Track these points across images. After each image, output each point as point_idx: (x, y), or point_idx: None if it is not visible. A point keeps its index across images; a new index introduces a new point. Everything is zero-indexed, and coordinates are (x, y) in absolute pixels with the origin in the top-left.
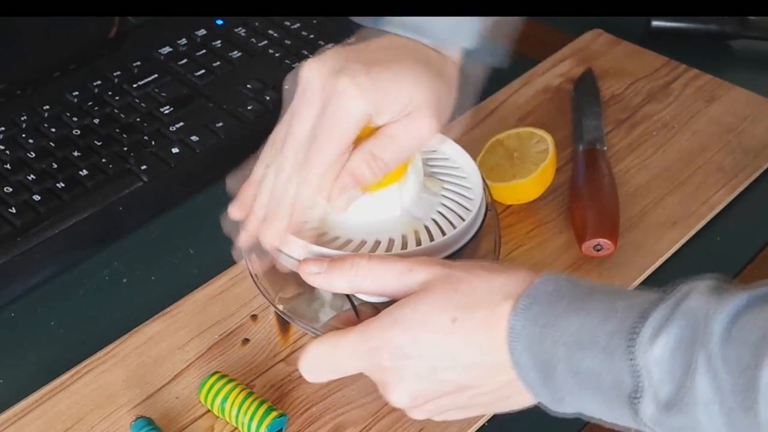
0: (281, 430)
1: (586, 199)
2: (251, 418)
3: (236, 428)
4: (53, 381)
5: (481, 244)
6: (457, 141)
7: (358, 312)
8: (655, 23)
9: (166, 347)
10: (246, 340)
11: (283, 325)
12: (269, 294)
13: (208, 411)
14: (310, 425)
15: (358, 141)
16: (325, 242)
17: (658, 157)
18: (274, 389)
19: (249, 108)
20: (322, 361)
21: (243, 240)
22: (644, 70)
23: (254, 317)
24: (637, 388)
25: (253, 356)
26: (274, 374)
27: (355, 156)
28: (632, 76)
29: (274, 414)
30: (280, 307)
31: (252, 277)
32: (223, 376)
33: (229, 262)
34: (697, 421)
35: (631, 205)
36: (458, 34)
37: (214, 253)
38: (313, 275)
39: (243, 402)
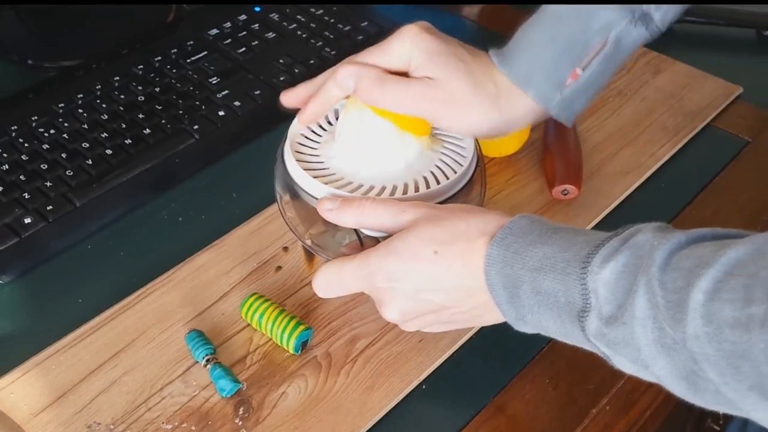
0: (307, 340)
1: (556, 153)
2: (283, 331)
3: (270, 339)
4: (122, 301)
5: (470, 193)
6: None
7: (362, 242)
8: None
9: (213, 273)
10: (279, 268)
11: (309, 255)
12: (298, 231)
13: (248, 325)
14: (330, 336)
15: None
16: (340, 186)
17: (614, 119)
18: (302, 307)
19: (281, 79)
20: (330, 280)
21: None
22: None
23: (285, 249)
24: (585, 307)
25: (284, 280)
26: (301, 295)
27: (371, 69)
28: None
29: (301, 327)
30: (308, 242)
31: (283, 217)
32: (260, 297)
33: (265, 204)
34: (633, 333)
35: (592, 157)
36: (534, 86)
37: (253, 197)
38: (327, 211)
39: (276, 318)
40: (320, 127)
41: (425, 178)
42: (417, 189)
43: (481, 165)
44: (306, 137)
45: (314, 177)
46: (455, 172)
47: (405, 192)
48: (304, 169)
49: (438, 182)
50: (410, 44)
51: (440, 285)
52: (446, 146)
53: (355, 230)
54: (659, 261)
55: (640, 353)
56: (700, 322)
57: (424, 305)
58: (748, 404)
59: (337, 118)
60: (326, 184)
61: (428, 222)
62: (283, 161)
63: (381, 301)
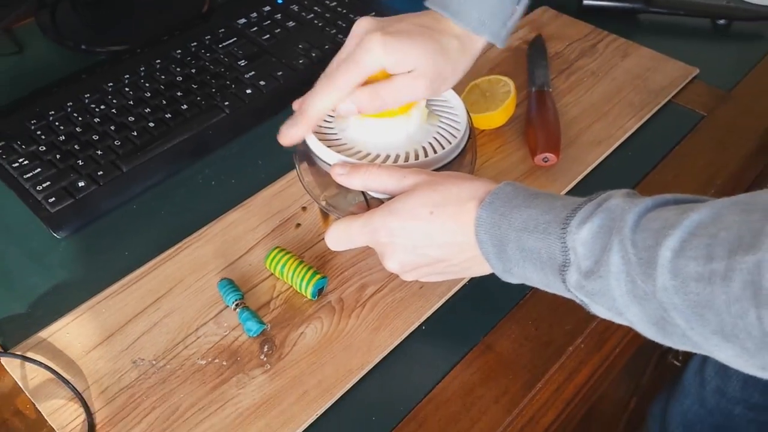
0: (323, 287)
1: (537, 126)
2: (302, 279)
3: (291, 286)
4: (162, 253)
5: (463, 161)
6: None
7: (368, 203)
8: (586, 2)
9: (242, 229)
10: (298, 225)
11: (324, 214)
12: (314, 193)
13: (271, 275)
14: (343, 284)
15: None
16: (350, 154)
17: (588, 96)
18: (318, 259)
19: (300, 62)
20: (340, 236)
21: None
22: (578, 35)
23: (304, 208)
24: (566, 262)
25: (303, 236)
26: (318, 249)
27: (364, 89)
28: (569, 39)
29: (318, 276)
30: (323, 203)
31: (302, 182)
32: (282, 250)
33: (286, 169)
34: (608, 285)
35: (569, 129)
36: (488, 29)
37: (276, 164)
38: (338, 175)
39: (296, 268)
40: None
41: (424, 148)
42: (417, 157)
43: (473, 137)
44: None
45: (328, 147)
46: (450, 143)
47: (406, 159)
48: (320, 140)
49: (435, 151)
50: (381, 51)
51: (435, 241)
52: (442, 120)
53: (363, 192)
54: (630, 222)
55: (615, 302)
56: (668, 276)
57: (421, 258)
58: (711, 346)
59: None
60: (338, 152)
61: (426, 186)
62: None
63: (383, 254)
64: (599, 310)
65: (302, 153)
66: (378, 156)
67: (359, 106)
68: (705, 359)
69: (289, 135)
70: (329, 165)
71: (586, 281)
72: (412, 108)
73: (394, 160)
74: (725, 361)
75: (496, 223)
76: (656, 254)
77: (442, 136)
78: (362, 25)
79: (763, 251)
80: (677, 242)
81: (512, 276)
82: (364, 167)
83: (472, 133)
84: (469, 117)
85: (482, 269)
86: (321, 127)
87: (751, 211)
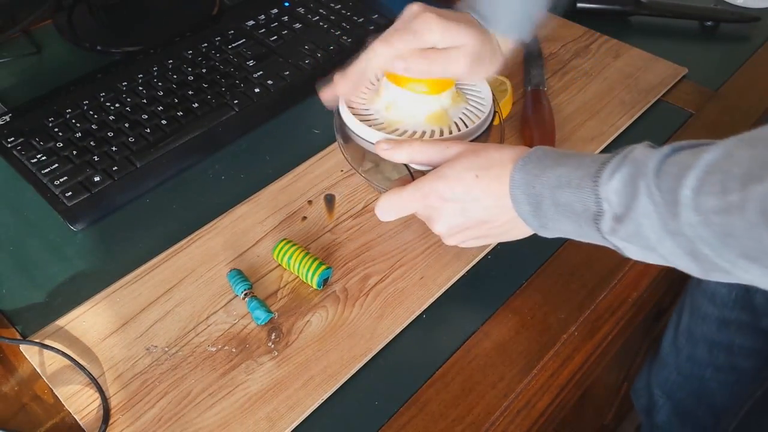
0: (328, 278)
1: (533, 123)
2: (308, 270)
3: (297, 277)
4: (174, 245)
5: (490, 134)
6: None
7: (413, 175)
8: (580, 5)
9: (250, 222)
10: (304, 218)
11: (329, 207)
12: (353, 166)
13: (278, 265)
14: (347, 274)
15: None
16: (391, 132)
17: (581, 95)
18: (323, 250)
19: (306, 62)
20: (391, 204)
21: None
22: (572, 36)
23: (310, 202)
24: (599, 211)
25: (309, 228)
26: (323, 240)
27: (414, 51)
28: (564, 40)
29: (323, 267)
30: (364, 175)
31: (344, 155)
32: (289, 242)
33: (293, 165)
34: (641, 225)
35: (563, 126)
36: (516, 31)
37: (284, 159)
38: (384, 150)
39: (302, 259)
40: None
41: (456, 124)
42: (451, 132)
43: (499, 115)
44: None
45: (369, 126)
46: (479, 118)
47: (442, 134)
48: (360, 121)
49: (467, 126)
50: (438, 27)
51: (480, 202)
52: (470, 101)
53: (406, 165)
54: (652, 168)
55: (649, 240)
56: (691, 212)
57: (467, 220)
58: (739, 269)
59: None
60: (379, 131)
61: (470, 153)
62: (339, 115)
63: (431, 218)
64: (632, 251)
65: (342, 133)
66: (415, 132)
67: (407, 66)
68: (677, 329)
69: (339, 85)
70: (370, 143)
71: (620, 225)
72: (446, 90)
73: (430, 135)
74: (756, 282)
75: (530, 183)
76: (678, 194)
77: (471, 112)
78: (414, 7)
79: None
80: (695, 181)
81: (547, 230)
82: (407, 141)
83: (499, 111)
84: (494, 96)
85: (521, 231)
86: (357, 108)
87: (755, 145)
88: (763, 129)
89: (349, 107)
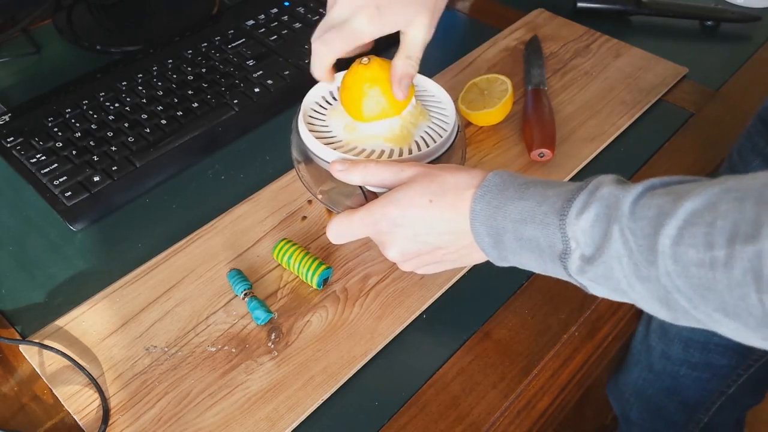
0: (328, 277)
1: (534, 122)
2: (308, 269)
3: (297, 276)
4: (174, 245)
5: (452, 155)
6: (444, 85)
7: (366, 197)
8: (580, 4)
9: (250, 222)
10: (304, 217)
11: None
12: (312, 188)
13: (278, 265)
14: (347, 274)
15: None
16: (347, 151)
17: (582, 94)
18: (323, 250)
19: (306, 62)
20: (341, 229)
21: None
22: (572, 36)
23: (310, 202)
24: (566, 250)
25: (308, 228)
26: (323, 240)
27: (398, 60)
28: (564, 40)
29: (323, 267)
30: (320, 197)
31: (300, 178)
32: (289, 241)
33: (292, 164)
34: (612, 269)
35: (563, 126)
36: None
37: (283, 159)
38: (338, 171)
39: (302, 259)
40: (326, 102)
41: (417, 143)
42: (410, 152)
43: (461, 133)
44: (315, 111)
45: (325, 144)
46: (441, 137)
47: (400, 155)
48: (317, 138)
49: (427, 146)
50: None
51: (434, 228)
52: (432, 117)
53: (360, 187)
54: (626, 211)
55: (620, 283)
56: (669, 261)
57: (421, 246)
58: (714, 322)
59: (335, 98)
60: (335, 150)
61: (424, 177)
62: (298, 132)
63: (384, 244)
64: (600, 291)
65: (300, 151)
66: (372, 152)
67: (407, 72)
68: (648, 328)
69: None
70: (327, 162)
71: (589, 266)
72: (405, 109)
73: (389, 155)
74: (728, 335)
75: (491, 215)
76: (656, 242)
77: (434, 131)
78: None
79: (762, 242)
80: (675, 230)
81: (507, 262)
82: (362, 163)
83: (461, 130)
84: (458, 116)
85: (479, 257)
86: (316, 126)
87: (743, 199)
88: (746, 178)
89: (308, 124)
